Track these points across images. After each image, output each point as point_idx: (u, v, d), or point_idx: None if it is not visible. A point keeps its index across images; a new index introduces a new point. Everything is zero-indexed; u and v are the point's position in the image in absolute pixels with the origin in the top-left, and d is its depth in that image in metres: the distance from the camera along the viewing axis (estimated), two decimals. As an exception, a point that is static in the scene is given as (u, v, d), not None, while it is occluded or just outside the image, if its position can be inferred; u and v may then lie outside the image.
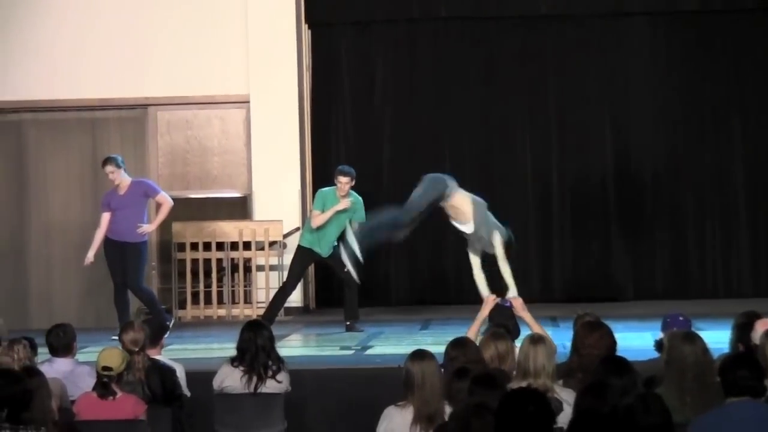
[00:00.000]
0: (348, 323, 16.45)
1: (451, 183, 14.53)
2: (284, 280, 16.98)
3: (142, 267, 16.74)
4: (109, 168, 16.40)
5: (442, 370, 9.75)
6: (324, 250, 16.44)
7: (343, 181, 16.32)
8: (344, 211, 16.32)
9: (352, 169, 16.46)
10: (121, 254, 16.42)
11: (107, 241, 16.46)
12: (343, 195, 16.31)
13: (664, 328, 10.83)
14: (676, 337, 9.16)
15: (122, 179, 16.38)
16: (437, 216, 19.66)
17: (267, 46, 19.16)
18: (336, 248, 16.33)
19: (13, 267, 19.31)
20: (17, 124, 19.52)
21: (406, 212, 14.69)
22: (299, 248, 16.68)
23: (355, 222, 15.98)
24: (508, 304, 11.68)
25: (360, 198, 16.47)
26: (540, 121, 20.02)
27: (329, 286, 18.92)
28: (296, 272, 16.73)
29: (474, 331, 11.29)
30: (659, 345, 10.57)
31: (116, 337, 12.45)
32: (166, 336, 12.66)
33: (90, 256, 16.53)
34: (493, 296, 11.79)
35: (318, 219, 16.34)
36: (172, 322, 16.62)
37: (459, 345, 9.74)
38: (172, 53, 19.14)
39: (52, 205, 19.47)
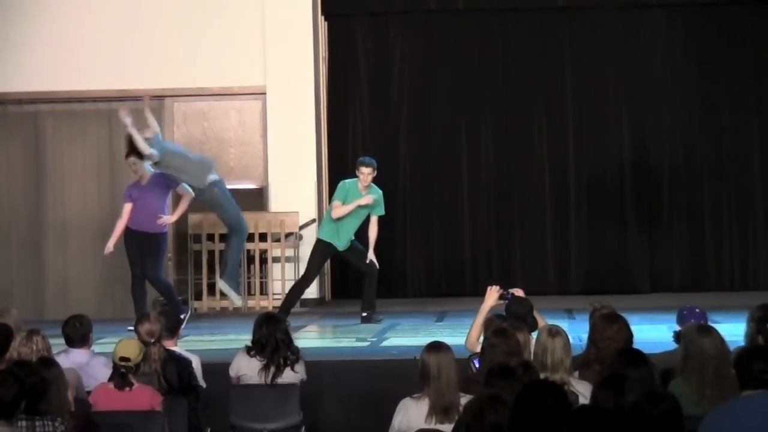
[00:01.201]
0: (365, 314, 16.42)
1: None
2: (303, 272, 16.96)
3: (161, 258, 16.74)
4: (132, 159, 16.39)
5: (481, 357, 9.77)
6: (342, 244, 16.40)
7: (366, 172, 16.28)
8: (366, 206, 16.33)
9: (373, 160, 16.43)
10: (140, 244, 16.42)
11: (127, 232, 16.45)
12: (366, 186, 16.28)
13: (680, 320, 10.84)
14: (693, 330, 9.15)
15: (144, 170, 16.38)
16: (452, 208, 19.75)
17: (283, 38, 19.17)
18: (353, 241, 16.34)
19: (30, 258, 19.33)
20: (34, 115, 19.54)
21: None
22: (318, 241, 16.63)
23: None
24: (509, 296, 11.60)
25: (380, 191, 16.46)
26: (557, 113, 20.00)
27: (345, 278, 18.94)
28: (315, 265, 16.67)
29: (479, 322, 11.24)
30: (678, 336, 10.56)
31: (132, 328, 12.47)
32: (182, 327, 12.69)
33: (110, 245, 16.53)
34: (496, 287, 11.70)
35: (339, 210, 16.30)
36: (189, 313, 16.61)
37: (501, 334, 9.72)
38: (189, 45, 19.16)
39: (69, 196, 19.48)
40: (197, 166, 16.20)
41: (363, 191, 16.26)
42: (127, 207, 16.46)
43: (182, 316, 16.16)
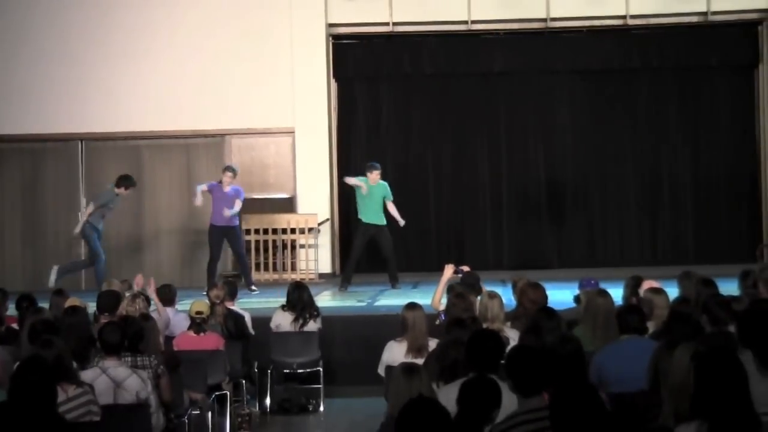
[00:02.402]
0: (394, 285, 16.34)
1: None
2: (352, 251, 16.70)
3: (243, 241, 16.86)
4: (229, 174, 16.40)
5: (445, 313, 9.76)
6: (369, 218, 16.26)
7: (376, 173, 16.29)
8: (378, 190, 16.26)
9: (379, 164, 16.58)
10: (223, 235, 16.37)
11: (212, 228, 16.41)
12: (375, 181, 16.26)
13: (581, 286, 10.87)
14: (593, 292, 9.19)
15: (230, 182, 16.33)
16: (421, 209, 19.71)
17: (306, 93, 19.12)
18: (385, 229, 16.18)
19: (132, 249, 19.29)
20: (135, 148, 19.46)
21: None
22: (361, 225, 16.44)
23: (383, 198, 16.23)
24: (461, 272, 11.56)
25: (386, 183, 16.47)
26: (495, 145, 19.93)
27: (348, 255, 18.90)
28: (358, 245, 16.48)
29: (440, 289, 11.19)
30: (577, 299, 10.57)
31: (205, 293, 12.49)
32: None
33: (198, 200, 16.50)
34: (452, 265, 11.65)
35: (353, 181, 16.46)
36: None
37: (460, 297, 9.71)
38: (242, 99, 19.11)
39: (159, 207, 19.45)
40: None
41: (373, 184, 16.21)
42: (204, 188, 16.44)
43: (253, 287, 16.30)
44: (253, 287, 16.57)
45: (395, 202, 16.53)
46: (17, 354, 8.41)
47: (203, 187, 16.46)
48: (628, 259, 19.43)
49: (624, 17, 19.21)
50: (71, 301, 10.12)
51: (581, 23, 19.36)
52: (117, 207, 16.90)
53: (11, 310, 10.89)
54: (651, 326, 8.40)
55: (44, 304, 10.44)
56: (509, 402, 5.94)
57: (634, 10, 19.08)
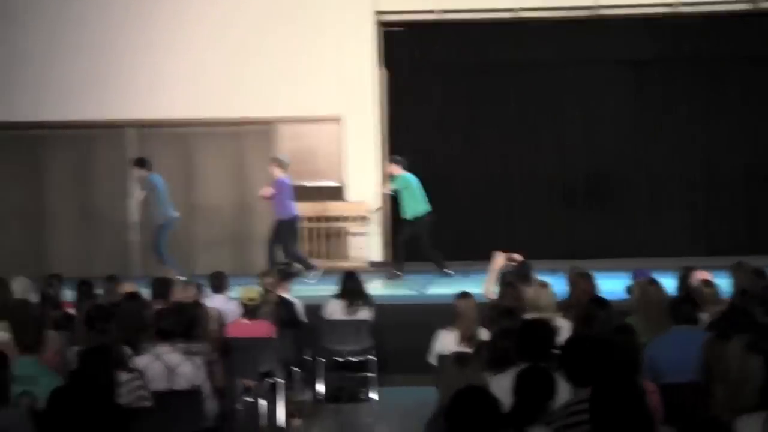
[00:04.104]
0: (445, 271, 16.38)
1: None
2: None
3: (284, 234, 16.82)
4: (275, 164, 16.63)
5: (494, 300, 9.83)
6: (415, 210, 16.38)
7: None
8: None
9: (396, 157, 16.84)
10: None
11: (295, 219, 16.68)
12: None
13: (634, 276, 10.89)
14: (645, 283, 9.21)
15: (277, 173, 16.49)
16: (471, 197, 19.72)
17: (354, 81, 19.16)
18: (428, 225, 16.28)
19: (183, 234, 19.41)
20: (185, 135, 19.55)
21: None
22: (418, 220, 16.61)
23: None
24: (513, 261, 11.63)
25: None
26: (544, 134, 19.92)
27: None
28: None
29: (492, 278, 11.24)
30: (629, 289, 10.59)
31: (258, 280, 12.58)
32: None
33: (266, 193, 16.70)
34: (503, 253, 11.71)
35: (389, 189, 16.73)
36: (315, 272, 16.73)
37: (511, 286, 9.78)
38: (292, 86, 19.15)
39: (210, 192, 19.56)
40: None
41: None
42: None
43: (315, 269, 16.37)
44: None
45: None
46: (72, 339, 8.54)
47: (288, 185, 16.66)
48: (678, 249, 19.32)
49: (672, 5, 19.12)
50: (128, 286, 10.27)
51: (630, 11, 19.29)
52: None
53: (68, 296, 11.04)
54: (704, 317, 8.42)
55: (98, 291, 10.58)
56: (561, 391, 5.99)
57: (684, -3, 19.04)
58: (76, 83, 19.28)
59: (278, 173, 16.47)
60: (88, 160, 19.61)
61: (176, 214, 16.67)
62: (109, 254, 18.87)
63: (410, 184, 16.37)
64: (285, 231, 16.45)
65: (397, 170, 16.47)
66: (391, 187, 16.46)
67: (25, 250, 19.27)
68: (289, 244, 16.54)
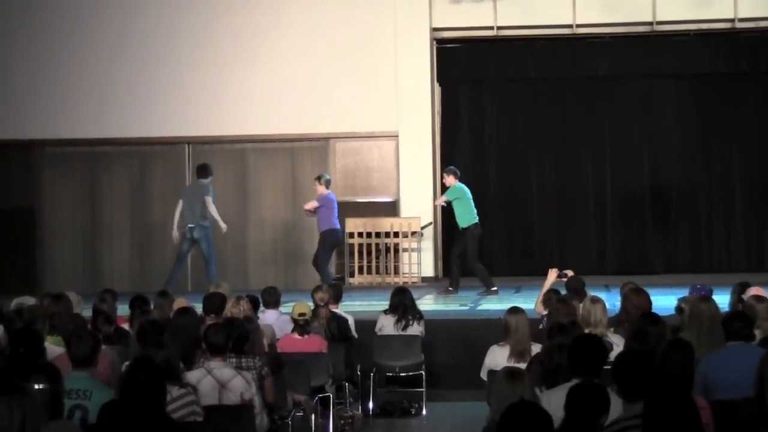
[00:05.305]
0: (486, 290, 16.22)
1: None
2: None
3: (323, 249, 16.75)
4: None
5: (547, 317, 9.75)
6: (468, 221, 16.27)
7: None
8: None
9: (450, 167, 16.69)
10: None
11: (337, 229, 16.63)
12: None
13: (691, 292, 10.78)
14: (696, 299, 9.10)
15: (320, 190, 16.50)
16: (524, 215, 19.64)
17: (410, 98, 19.17)
18: (474, 236, 16.17)
19: (238, 247, 19.49)
20: (241, 151, 19.68)
21: None
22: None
23: None
24: (565, 276, 11.56)
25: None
26: (598, 149, 19.84)
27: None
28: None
29: (544, 293, 11.18)
30: (679, 308, 10.48)
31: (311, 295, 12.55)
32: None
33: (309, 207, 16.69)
34: (555, 269, 11.65)
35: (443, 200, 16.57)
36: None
37: (563, 301, 9.71)
38: (346, 104, 19.21)
39: (264, 206, 19.62)
40: None
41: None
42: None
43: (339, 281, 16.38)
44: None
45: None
46: (125, 354, 8.56)
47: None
48: (734, 265, 19.18)
49: (732, 20, 18.97)
50: (180, 302, 10.27)
51: (688, 26, 19.17)
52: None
53: (123, 310, 11.08)
54: (758, 333, 8.31)
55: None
56: (613, 406, 5.93)
57: (743, 13, 18.85)
58: (134, 100, 19.45)
59: (322, 190, 16.46)
60: (145, 176, 19.75)
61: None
62: (164, 270, 18.93)
63: (464, 195, 16.28)
64: (322, 242, 16.46)
65: (452, 180, 16.38)
66: (445, 198, 16.35)
67: (80, 265, 19.42)
68: (320, 254, 16.54)
